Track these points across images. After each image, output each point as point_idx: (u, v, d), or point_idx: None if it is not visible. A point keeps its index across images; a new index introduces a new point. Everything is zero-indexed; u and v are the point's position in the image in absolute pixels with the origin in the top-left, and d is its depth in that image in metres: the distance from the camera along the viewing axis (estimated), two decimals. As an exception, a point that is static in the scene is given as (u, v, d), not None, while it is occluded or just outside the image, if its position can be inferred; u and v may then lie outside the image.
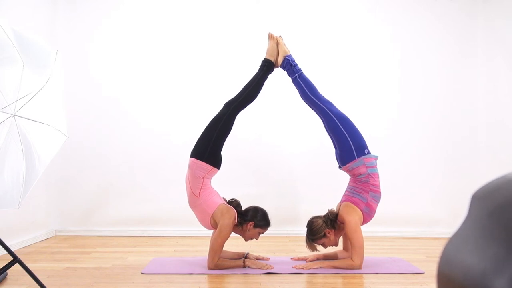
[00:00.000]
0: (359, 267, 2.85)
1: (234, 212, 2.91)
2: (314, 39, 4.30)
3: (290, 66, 3.10)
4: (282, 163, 4.30)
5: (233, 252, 3.13)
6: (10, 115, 2.07)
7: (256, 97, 3.08)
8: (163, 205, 4.23)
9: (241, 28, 4.30)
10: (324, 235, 2.91)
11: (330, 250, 3.16)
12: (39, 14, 4.01)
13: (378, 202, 2.99)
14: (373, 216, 3.01)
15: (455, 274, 0.56)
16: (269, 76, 3.14)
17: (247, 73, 3.14)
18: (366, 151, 2.97)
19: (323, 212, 3.02)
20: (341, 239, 3.15)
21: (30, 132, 2.16)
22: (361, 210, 2.94)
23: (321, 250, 3.18)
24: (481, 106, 4.33)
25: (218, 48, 4.30)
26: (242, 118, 3.16)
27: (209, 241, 2.95)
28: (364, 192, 2.95)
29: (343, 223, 2.92)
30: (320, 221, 2.92)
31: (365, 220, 2.98)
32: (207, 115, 3.08)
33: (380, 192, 2.98)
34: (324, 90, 3.15)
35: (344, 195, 3.08)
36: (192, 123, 3.92)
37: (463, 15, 4.35)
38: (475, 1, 4.36)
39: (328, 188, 3.93)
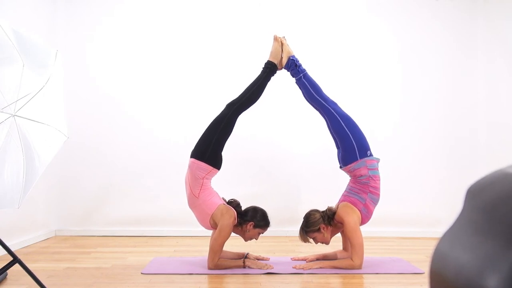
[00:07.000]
0: (359, 267, 2.85)
1: (233, 212, 2.91)
2: (314, 40, 4.30)
3: (294, 66, 3.09)
4: (283, 164, 4.30)
5: (233, 252, 3.13)
6: (10, 115, 2.07)
7: (258, 99, 3.07)
8: (163, 205, 4.23)
9: (243, 29, 4.30)
10: (318, 230, 2.91)
11: (330, 250, 3.16)
12: (39, 14, 4.01)
13: (375, 204, 2.99)
14: (370, 218, 3.01)
15: (448, 272, 0.53)
16: (272, 77, 3.13)
17: (250, 74, 3.13)
18: (368, 152, 2.97)
19: (323, 211, 3.02)
20: (340, 239, 3.15)
21: (30, 132, 2.16)
22: (359, 210, 2.94)
23: (320, 250, 3.19)
24: (481, 107, 4.32)
25: (219, 48, 4.30)
26: (244, 118, 3.16)
27: (209, 241, 2.95)
28: (362, 192, 2.95)
29: (341, 223, 2.92)
30: (317, 215, 2.93)
31: (362, 221, 2.97)
32: (208, 116, 3.08)
33: (379, 195, 2.98)
34: (325, 91, 3.15)
35: (343, 195, 3.07)
36: (193, 123, 3.92)
37: (463, 15, 4.35)
38: (475, 1, 4.35)
39: (328, 188, 3.91)
